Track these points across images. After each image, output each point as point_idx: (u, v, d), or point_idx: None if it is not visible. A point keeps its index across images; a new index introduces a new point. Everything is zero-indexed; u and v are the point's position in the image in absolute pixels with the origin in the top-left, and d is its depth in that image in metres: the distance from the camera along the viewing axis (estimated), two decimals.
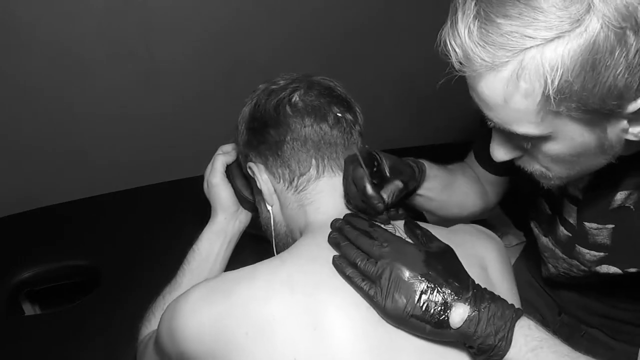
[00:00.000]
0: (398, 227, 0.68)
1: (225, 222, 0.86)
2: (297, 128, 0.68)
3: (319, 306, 0.57)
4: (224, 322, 0.56)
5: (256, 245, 0.81)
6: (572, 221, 0.82)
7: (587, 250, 0.81)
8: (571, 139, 0.57)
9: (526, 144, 0.60)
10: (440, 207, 0.91)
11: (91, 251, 1.18)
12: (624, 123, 0.55)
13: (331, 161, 0.69)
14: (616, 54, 0.48)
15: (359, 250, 0.60)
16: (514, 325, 0.54)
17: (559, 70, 0.49)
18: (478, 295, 0.56)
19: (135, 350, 0.81)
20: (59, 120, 1.28)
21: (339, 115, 0.70)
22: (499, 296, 0.57)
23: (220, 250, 0.86)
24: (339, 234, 0.63)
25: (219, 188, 0.84)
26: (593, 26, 0.47)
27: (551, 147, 0.58)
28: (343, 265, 0.59)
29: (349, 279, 0.58)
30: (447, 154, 0.98)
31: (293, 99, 0.69)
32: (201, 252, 0.85)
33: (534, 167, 0.65)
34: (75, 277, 1.18)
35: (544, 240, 0.91)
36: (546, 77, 0.50)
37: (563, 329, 1.04)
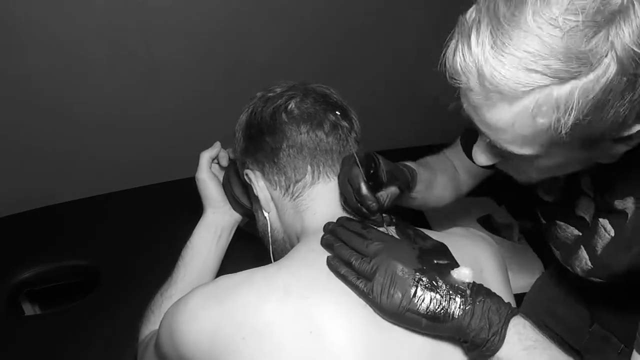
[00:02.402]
0: (391, 230, 0.67)
1: (214, 216, 0.87)
2: (293, 135, 0.68)
3: (314, 310, 0.57)
4: (221, 328, 0.56)
5: (255, 245, 0.81)
6: (587, 218, 0.78)
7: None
8: (563, 156, 0.58)
9: (514, 156, 0.60)
10: (422, 204, 0.91)
11: (91, 251, 1.18)
12: (610, 141, 0.56)
13: (327, 167, 0.70)
14: (626, 96, 0.49)
15: (353, 250, 0.60)
16: (508, 322, 0.55)
17: (573, 110, 0.49)
18: (474, 290, 0.56)
19: (135, 351, 0.81)
20: (59, 120, 1.28)
21: (335, 122, 0.70)
22: (495, 293, 0.57)
23: (211, 244, 0.87)
24: (332, 235, 0.63)
25: (205, 183, 0.85)
26: (611, 70, 0.47)
27: (541, 162, 0.59)
28: (337, 264, 0.59)
29: (343, 277, 0.58)
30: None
31: (289, 107, 0.70)
32: (193, 247, 0.86)
33: (510, 171, 0.66)
34: (75, 277, 1.18)
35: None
36: (559, 116, 0.50)
37: (595, 343, 0.96)
